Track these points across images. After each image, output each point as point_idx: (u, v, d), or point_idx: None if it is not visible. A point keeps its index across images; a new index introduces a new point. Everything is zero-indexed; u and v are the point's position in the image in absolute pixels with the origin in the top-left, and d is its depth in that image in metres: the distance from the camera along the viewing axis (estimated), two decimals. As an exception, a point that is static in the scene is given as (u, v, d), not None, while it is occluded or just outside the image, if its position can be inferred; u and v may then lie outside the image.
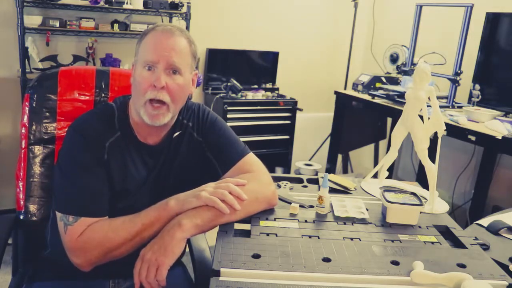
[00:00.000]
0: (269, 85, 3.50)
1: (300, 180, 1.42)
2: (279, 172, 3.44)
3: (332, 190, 1.31)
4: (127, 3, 2.70)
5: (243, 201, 1.07)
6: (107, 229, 1.05)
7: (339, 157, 3.62)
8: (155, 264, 0.97)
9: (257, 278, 0.87)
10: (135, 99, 1.14)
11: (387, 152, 1.46)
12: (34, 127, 1.30)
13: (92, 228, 1.06)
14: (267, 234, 1.03)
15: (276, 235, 1.03)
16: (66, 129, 1.21)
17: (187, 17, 2.87)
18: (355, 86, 3.22)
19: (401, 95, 2.78)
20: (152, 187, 1.20)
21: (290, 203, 1.20)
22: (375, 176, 1.50)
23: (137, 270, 0.98)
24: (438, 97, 1.60)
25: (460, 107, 2.69)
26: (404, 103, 1.34)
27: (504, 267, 1.01)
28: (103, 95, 1.35)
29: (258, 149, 3.18)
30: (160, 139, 1.20)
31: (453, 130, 2.32)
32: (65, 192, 1.10)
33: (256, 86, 3.41)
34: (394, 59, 3.15)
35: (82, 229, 1.05)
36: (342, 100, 3.26)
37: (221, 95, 3.13)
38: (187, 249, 1.31)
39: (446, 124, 1.43)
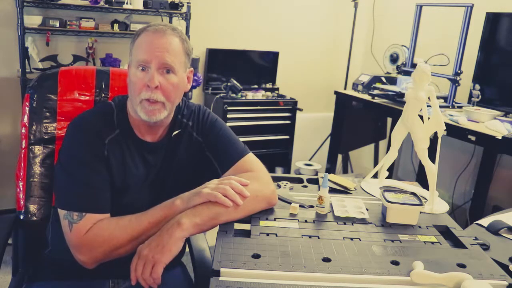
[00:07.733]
0: (269, 85, 3.50)
1: (300, 180, 1.42)
2: (279, 172, 3.44)
3: (332, 190, 1.31)
4: (127, 3, 2.70)
5: (245, 197, 1.07)
6: (114, 227, 1.06)
7: (339, 157, 3.62)
8: (151, 261, 0.97)
9: (257, 278, 0.87)
10: (131, 99, 1.15)
11: (387, 152, 1.46)
12: (34, 127, 1.30)
13: (99, 225, 1.06)
14: (267, 234, 1.03)
15: (276, 235, 1.03)
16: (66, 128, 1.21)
17: (187, 17, 2.87)
18: (355, 86, 3.22)
19: (399, 94, 2.78)
20: (153, 185, 1.20)
21: (290, 203, 1.20)
22: (375, 176, 1.50)
23: (134, 266, 0.99)
24: (438, 97, 1.60)
25: (460, 107, 2.69)
26: (404, 103, 1.34)
27: (504, 267, 1.01)
28: (103, 95, 1.35)
29: (258, 149, 3.18)
30: (159, 137, 1.21)
31: (453, 130, 2.31)
32: (67, 188, 1.10)
33: (256, 86, 3.41)
34: (394, 59, 3.16)
35: (88, 226, 1.05)
36: (342, 100, 3.26)
37: (221, 95, 3.13)
38: (187, 249, 1.31)
39: (446, 124, 1.43)
